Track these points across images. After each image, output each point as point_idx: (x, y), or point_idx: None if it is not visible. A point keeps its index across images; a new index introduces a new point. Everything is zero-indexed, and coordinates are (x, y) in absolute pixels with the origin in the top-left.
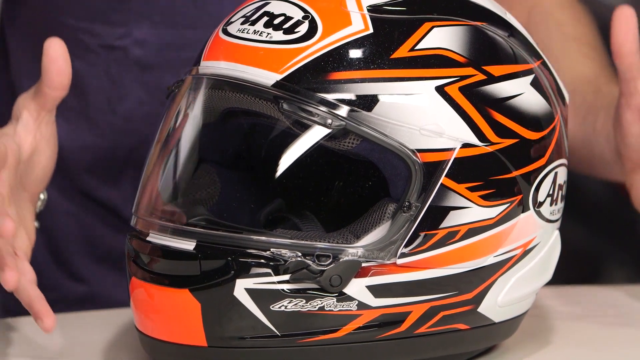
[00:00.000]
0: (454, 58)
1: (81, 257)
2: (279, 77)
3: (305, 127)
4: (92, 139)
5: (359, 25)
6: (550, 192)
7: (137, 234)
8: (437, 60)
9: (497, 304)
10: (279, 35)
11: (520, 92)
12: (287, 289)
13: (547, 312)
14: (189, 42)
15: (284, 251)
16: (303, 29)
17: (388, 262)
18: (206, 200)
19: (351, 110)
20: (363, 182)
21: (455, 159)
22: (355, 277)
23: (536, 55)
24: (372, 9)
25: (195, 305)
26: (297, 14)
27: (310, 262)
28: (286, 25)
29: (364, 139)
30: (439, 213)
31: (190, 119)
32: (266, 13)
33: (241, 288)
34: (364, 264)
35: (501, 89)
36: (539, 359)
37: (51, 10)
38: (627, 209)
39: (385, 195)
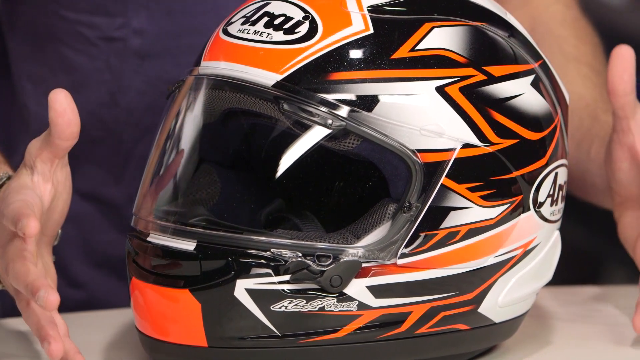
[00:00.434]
0: (454, 58)
1: (79, 263)
2: (279, 77)
3: (305, 128)
4: (97, 133)
5: (359, 25)
6: (551, 193)
7: (138, 234)
8: (437, 61)
9: (498, 304)
10: (279, 36)
11: (521, 92)
12: (288, 289)
13: (547, 312)
14: (187, 29)
15: (284, 251)
16: (303, 29)
17: (388, 262)
18: (206, 200)
19: (351, 111)
20: (363, 183)
21: (455, 159)
22: (356, 277)
23: (536, 56)
24: (373, 9)
25: (196, 305)
26: (298, 15)
27: (310, 263)
28: (286, 26)
29: (365, 139)
30: (439, 213)
31: (190, 119)
32: (266, 13)
33: (241, 288)
34: (364, 265)
35: (501, 89)
36: (539, 359)
37: (51, 5)
38: None
39: (385, 195)
